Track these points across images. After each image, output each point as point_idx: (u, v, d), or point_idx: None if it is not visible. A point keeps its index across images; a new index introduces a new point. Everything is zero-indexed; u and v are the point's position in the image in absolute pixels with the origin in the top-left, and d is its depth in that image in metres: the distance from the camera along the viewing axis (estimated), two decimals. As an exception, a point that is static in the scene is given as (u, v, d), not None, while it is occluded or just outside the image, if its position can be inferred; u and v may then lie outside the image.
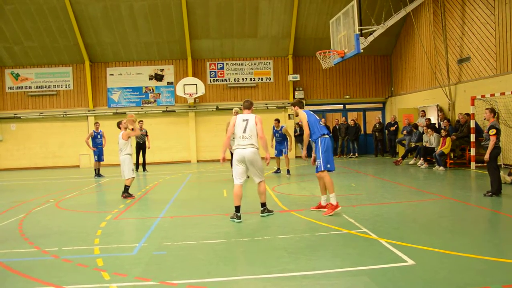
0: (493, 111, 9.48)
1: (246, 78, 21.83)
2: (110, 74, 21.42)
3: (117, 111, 21.22)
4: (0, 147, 20.93)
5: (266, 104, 21.65)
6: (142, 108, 21.42)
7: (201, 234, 6.83)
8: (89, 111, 21.14)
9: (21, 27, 19.41)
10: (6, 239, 7.01)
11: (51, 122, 21.10)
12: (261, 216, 8.03)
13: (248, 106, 8.05)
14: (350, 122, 20.87)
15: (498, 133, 9.15)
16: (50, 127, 21.10)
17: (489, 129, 9.19)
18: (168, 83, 21.56)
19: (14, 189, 11.98)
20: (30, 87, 21.24)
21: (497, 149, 9.22)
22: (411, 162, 16.12)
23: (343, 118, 21.70)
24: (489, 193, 9.20)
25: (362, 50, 14.87)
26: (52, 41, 20.16)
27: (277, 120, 14.57)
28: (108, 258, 5.67)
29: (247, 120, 7.75)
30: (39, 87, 21.25)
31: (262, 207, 8.14)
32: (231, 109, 21.26)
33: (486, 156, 9.15)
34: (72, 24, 19.28)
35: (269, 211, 8.18)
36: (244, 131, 7.68)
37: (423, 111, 17.79)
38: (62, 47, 20.47)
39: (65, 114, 21.15)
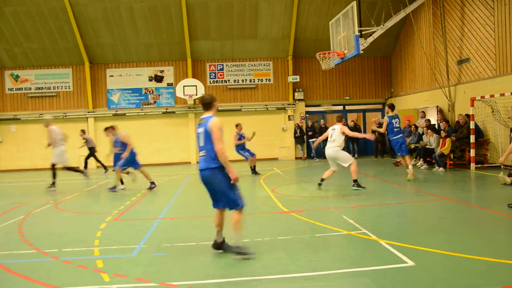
0: None
1: (246, 79, 21.83)
2: (110, 76, 21.42)
3: (117, 112, 21.23)
4: (0, 148, 20.91)
5: (266, 106, 21.66)
6: (142, 110, 21.41)
7: (201, 235, 6.82)
8: (88, 112, 21.13)
9: (21, 28, 19.41)
10: (5, 241, 7.00)
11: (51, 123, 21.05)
12: (352, 188, 10.71)
13: (339, 120, 11.11)
14: (350, 123, 20.86)
15: None
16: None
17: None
18: (168, 84, 21.55)
19: (13, 190, 11.98)
20: (30, 89, 21.23)
21: None
22: (411, 163, 16.10)
23: (344, 119, 21.67)
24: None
25: (361, 51, 14.86)
26: (52, 43, 20.16)
27: (112, 128, 12.50)
28: (108, 260, 5.67)
29: (334, 129, 10.87)
30: (39, 88, 21.25)
31: (353, 182, 10.78)
32: (231, 110, 21.43)
33: (501, 159, 8.33)
34: (72, 25, 19.29)
35: (358, 185, 10.72)
36: (331, 136, 10.86)
37: (423, 112, 17.79)
38: (62, 48, 20.47)
39: (65, 116, 21.14)
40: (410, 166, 12.33)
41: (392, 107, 12.88)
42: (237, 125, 15.09)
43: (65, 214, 9.42)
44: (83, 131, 18.58)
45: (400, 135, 12.63)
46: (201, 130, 5.46)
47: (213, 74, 21.73)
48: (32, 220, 8.65)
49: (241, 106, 21.48)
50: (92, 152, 18.21)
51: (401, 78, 21.20)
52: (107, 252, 6.05)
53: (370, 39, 15.56)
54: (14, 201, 10.93)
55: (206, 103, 5.58)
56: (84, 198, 11.76)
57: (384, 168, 16.06)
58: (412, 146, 16.66)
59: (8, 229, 7.86)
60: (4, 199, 11.68)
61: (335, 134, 10.83)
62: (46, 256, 5.99)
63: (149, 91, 21.55)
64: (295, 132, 21.22)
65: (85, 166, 17.86)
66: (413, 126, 17.16)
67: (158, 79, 21.58)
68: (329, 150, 10.89)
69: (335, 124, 11.16)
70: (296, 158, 21.50)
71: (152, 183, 12.32)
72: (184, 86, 20.31)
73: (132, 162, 12.26)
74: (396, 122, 12.54)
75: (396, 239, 6.06)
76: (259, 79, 21.87)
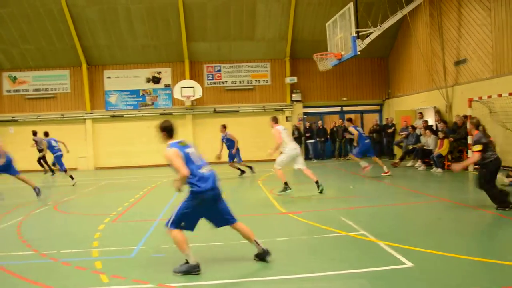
0: (475, 123, 8.17)
1: (244, 81, 21.84)
2: (108, 77, 21.40)
3: (115, 114, 21.21)
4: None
5: (264, 107, 21.66)
6: (139, 111, 21.39)
7: (199, 236, 6.80)
8: (86, 114, 21.11)
9: (18, 30, 19.37)
10: (4, 242, 7.00)
11: (49, 125, 20.93)
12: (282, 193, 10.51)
13: (277, 120, 11.19)
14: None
15: (485, 148, 7.67)
16: (47, 130, 20.94)
17: (473, 144, 7.82)
18: (166, 85, 21.54)
19: (12, 192, 11.96)
20: (28, 90, 21.19)
21: (494, 162, 7.75)
22: (409, 164, 16.14)
23: (341, 120, 21.71)
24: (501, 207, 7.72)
25: (359, 52, 14.88)
26: (49, 44, 20.12)
27: None
28: (106, 261, 5.67)
29: (286, 129, 11.05)
30: (37, 90, 21.22)
31: (286, 185, 10.63)
32: (229, 111, 21.45)
33: (457, 167, 8.34)
34: (69, 27, 19.26)
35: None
36: (289, 136, 11.05)
37: (421, 113, 17.82)
38: (59, 50, 20.43)
39: (63, 117, 21.11)
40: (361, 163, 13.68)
41: (350, 120, 14.40)
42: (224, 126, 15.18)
43: (63, 215, 9.41)
44: (34, 133, 18.11)
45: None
46: (192, 150, 5.40)
47: (211, 76, 21.73)
48: (31, 222, 8.63)
49: (239, 108, 21.49)
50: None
51: (398, 79, 21.25)
52: (106, 254, 6.05)
53: (367, 40, 15.59)
54: (13, 203, 10.90)
55: (172, 129, 5.57)
56: (82, 199, 11.75)
57: (382, 169, 16.05)
58: (410, 147, 16.69)
59: (6, 230, 7.85)
60: (6, 200, 11.67)
61: (289, 134, 11.13)
62: (44, 257, 5.99)
63: (147, 93, 21.54)
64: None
65: (47, 166, 17.53)
66: (410, 127, 17.19)
67: (156, 80, 21.57)
68: (298, 148, 10.95)
69: (276, 125, 10.87)
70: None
71: (36, 188, 11.37)
72: (181, 88, 20.32)
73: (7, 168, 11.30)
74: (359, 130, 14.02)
75: (394, 240, 6.07)
76: (256, 81, 21.89)
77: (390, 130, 19.52)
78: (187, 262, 5.11)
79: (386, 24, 15.89)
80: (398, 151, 18.76)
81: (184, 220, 5.22)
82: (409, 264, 5.06)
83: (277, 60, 21.84)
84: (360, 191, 11.10)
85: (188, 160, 5.23)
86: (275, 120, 11.02)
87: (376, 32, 15.69)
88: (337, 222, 7.36)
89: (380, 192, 10.88)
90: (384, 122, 21.23)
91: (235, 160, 15.02)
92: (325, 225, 7.20)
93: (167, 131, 5.50)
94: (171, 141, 5.41)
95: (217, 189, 5.31)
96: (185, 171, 5.09)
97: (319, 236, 6.62)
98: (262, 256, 5.41)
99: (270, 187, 11.98)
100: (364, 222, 7.26)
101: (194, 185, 5.16)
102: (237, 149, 15.00)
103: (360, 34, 15.16)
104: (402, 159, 16.54)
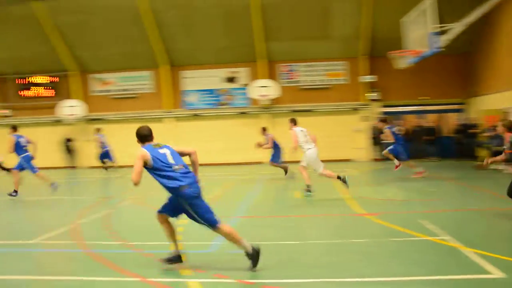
0: (507, 125, 7.95)
1: (319, 80, 21.67)
2: (187, 77, 22.21)
3: (193, 112, 21.96)
4: (89, 147, 22.30)
5: (339, 106, 21.33)
6: (216, 110, 22.01)
7: (275, 234, 6.90)
8: (166, 112, 22.07)
9: (104, 35, 20.60)
10: (95, 233, 7.57)
11: (132, 123, 22.13)
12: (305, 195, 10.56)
13: (296, 122, 11.11)
14: (429, 124, 20.03)
15: None
16: (130, 128, 22.07)
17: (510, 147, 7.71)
18: (242, 85, 21.93)
19: (99, 186, 12.80)
20: (113, 91, 22.59)
21: None
22: (496, 166, 15.16)
23: (422, 119, 20.83)
24: None
25: (442, 49, 14.21)
26: (133, 47, 21.19)
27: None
28: (187, 255, 5.90)
29: (303, 130, 10.79)
30: (121, 90, 22.56)
31: (308, 187, 10.69)
32: (306, 111, 21.34)
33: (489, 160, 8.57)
34: (151, 30, 20.20)
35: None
36: (306, 136, 10.72)
37: (508, 112, 16.66)
38: (142, 52, 21.45)
39: (145, 116, 22.19)
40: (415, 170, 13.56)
41: (385, 121, 14.33)
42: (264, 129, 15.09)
43: (144, 209, 9.91)
44: (97, 130, 18.59)
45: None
46: (166, 151, 5.55)
47: (286, 75, 21.81)
48: (116, 214, 9.23)
49: (313, 107, 21.34)
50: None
51: (482, 76, 19.98)
52: (186, 247, 6.29)
53: (449, 36, 14.81)
54: (100, 196, 11.68)
55: (144, 135, 5.61)
56: (160, 194, 12.22)
57: (465, 171, 15.25)
58: (497, 148, 15.65)
59: (95, 221, 8.46)
60: (90, 193, 12.53)
61: (308, 135, 10.75)
62: (130, 248, 6.38)
63: (224, 92, 22.08)
64: (372, 133, 20.70)
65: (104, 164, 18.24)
66: (495, 128, 16.10)
67: (232, 80, 22.05)
68: (314, 149, 10.62)
69: (294, 126, 10.93)
70: (376, 160, 20.85)
71: (54, 184, 11.68)
72: (257, 87, 20.61)
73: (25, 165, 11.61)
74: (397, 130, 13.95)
75: (480, 247, 5.71)
76: (332, 79, 21.63)
77: (472, 131, 18.45)
78: (248, 254, 5.23)
79: (470, 18, 15.01)
80: (482, 153, 17.68)
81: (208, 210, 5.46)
82: (498, 274, 4.75)
83: (354, 59, 21.35)
84: (441, 194, 10.62)
85: (157, 159, 5.38)
86: (294, 122, 11.11)
87: (459, 26, 14.88)
88: (416, 225, 7.11)
89: (462, 196, 10.37)
90: (466, 122, 20.11)
91: (274, 161, 14.88)
92: (404, 227, 6.98)
93: (138, 137, 5.63)
94: (145, 145, 5.56)
95: (194, 187, 5.40)
96: (136, 178, 5.23)
97: (397, 239, 6.45)
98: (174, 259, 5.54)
99: (345, 188, 11.79)
100: (446, 227, 6.93)
101: (168, 181, 5.45)
102: (275, 151, 14.84)
103: (441, 29, 14.47)
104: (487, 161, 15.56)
